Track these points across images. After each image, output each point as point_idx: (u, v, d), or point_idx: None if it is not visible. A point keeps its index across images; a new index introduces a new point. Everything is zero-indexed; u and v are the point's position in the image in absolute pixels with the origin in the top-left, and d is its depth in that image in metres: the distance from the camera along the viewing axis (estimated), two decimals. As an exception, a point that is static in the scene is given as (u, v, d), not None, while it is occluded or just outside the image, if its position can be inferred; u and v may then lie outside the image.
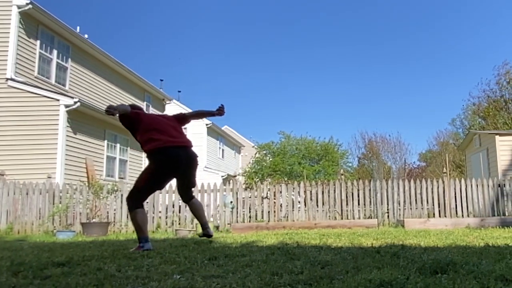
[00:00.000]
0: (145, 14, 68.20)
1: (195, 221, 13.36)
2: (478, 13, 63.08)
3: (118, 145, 19.79)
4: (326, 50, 70.91)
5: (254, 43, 73.85)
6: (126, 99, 23.64)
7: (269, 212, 13.88)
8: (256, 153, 28.83)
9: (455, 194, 14.14)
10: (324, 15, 67.76)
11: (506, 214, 13.78)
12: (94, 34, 49.42)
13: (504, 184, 14.34)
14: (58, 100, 16.19)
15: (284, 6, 68.77)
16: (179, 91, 48.49)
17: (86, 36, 20.51)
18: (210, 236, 7.08)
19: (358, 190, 14.24)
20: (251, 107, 78.64)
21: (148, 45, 74.14)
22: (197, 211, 7.05)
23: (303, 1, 68.54)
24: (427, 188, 14.17)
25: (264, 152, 28.49)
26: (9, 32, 16.25)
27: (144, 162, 22.27)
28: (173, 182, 7.38)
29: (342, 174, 17.83)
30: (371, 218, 13.66)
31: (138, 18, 69.16)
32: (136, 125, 6.50)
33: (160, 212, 13.77)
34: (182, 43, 73.21)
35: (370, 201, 14.20)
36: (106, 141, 18.85)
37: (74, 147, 16.59)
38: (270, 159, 27.82)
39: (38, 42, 17.51)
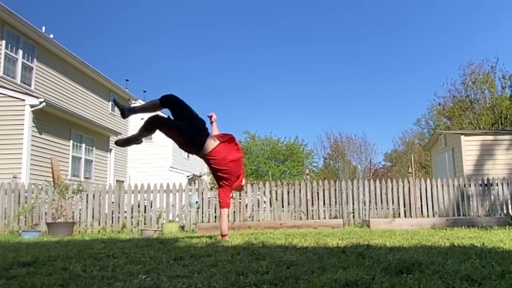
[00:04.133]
0: (112, 14, 67.60)
1: (160, 221, 13.48)
2: (443, 14, 63.94)
3: (83, 145, 19.72)
4: (290, 49, 71.01)
5: (218, 44, 73.61)
6: (91, 98, 23.60)
7: (234, 212, 13.94)
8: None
9: (421, 194, 14.28)
10: (289, 15, 67.94)
11: (472, 214, 13.96)
12: (59, 34, 48.89)
13: (470, 184, 14.54)
14: (23, 100, 16.08)
15: (249, 6, 68.84)
16: (145, 91, 47.97)
17: (51, 36, 20.40)
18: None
19: (324, 190, 14.34)
20: (216, 107, 78.21)
21: (113, 44, 73.40)
22: None
23: (267, 1, 68.68)
24: (392, 188, 14.31)
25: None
26: (-27, 32, 16.12)
27: (110, 162, 22.26)
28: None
29: (307, 174, 18.00)
30: (336, 218, 13.75)
31: (103, 18, 68.47)
32: None
33: (125, 212, 13.82)
34: (148, 43, 72.67)
35: (336, 201, 14.25)
36: (71, 141, 18.76)
37: (40, 147, 16.51)
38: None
39: (3, 42, 17.38)
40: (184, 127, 6.72)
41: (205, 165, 34.10)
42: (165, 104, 6.77)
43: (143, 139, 6.86)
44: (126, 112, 6.86)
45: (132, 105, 6.85)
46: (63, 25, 62.58)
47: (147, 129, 6.69)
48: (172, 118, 6.79)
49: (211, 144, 6.93)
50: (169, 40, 70.61)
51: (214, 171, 7.28)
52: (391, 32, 67.30)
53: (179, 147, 7.20)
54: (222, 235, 7.29)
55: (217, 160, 7.07)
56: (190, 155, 36.32)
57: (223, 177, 7.26)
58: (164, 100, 6.72)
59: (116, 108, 26.03)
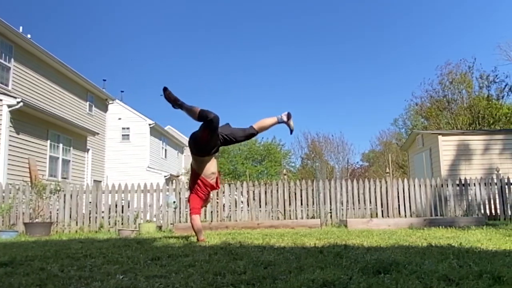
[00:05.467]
0: (90, 14, 67.24)
1: (138, 221, 13.49)
2: (421, 15, 64.52)
3: (61, 145, 19.65)
4: (269, 50, 71.30)
5: (197, 46, 73.59)
6: (68, 99, 23.48)
7: (212, 212, 13.95)
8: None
9: (398, 194, 14.35)
10: (268, 17, 68.19)
11: (449, 215, 14.05)
12: (37, 34, 48.57)
13: (447, 184, 14.64)
14: (1, 100, 16.00)
15: (227, 8, 68.89)
16: (122, 91, 47.76)
17: (29, 36, 20.24)
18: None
19: (301, 190, 14.37)
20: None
21: (91, 44, 73.05)
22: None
23: (246, 4, 68.79)
24: (370, 188, 14.39)
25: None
26: (-50, 31, 15.98)
27: (87, 162, 22.19)
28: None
29: (285, 174, 18.03)
30: (314, 218, 13.79)
31: (82, 18, 68.05)
32: None
33: (103, 212, 13.80)
34: (126, 44, 72.41)
35: (313, 201, 14.28)
36: (49, 141, 18.69)
37: (17, 147, 16.45)
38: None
39: (-20, 42, 17.27)
40: (215, 138, 7.01)
41: (182, 165, 33.96)
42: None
43: (176, 109, 6.98)
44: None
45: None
46: (41, 25, 62.16)
47: (199, 116, 6.80)
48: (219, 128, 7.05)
49: (211, 168, 7.43)
50: (147, 40, 70.40)
51: (195, 181, 7.55)
52: (368, 33, 67.73)
53: (190, 139, 7.33)
54: (199, 240, 7.33)
55: (205, 184, 7.47)
56: (167, 155, 36.51)
57: (201, 192, 7.55)
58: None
59: (93, 109, 26.03)
